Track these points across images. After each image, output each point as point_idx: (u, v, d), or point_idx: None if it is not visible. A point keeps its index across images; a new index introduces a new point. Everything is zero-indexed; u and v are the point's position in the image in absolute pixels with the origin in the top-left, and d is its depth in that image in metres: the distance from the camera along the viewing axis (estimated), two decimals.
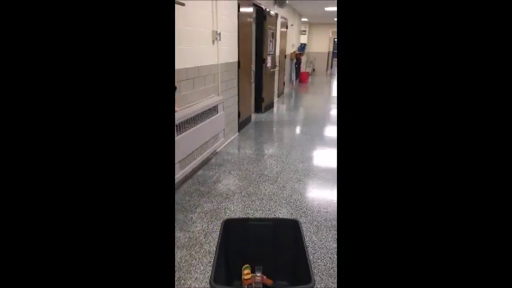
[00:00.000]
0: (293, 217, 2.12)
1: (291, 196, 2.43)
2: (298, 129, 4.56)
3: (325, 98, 7.52)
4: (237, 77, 3.98)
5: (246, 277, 1.38)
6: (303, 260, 1.21)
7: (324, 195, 2.47)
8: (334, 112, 5.79)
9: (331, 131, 4.43)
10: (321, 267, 1.65)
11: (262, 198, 2.39)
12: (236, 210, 2.21)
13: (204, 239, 1.87)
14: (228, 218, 1.40)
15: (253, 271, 1.43)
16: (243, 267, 1.41)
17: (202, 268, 1.63)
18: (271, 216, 2.13)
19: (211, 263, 1.65)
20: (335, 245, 1.82)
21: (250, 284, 1.39)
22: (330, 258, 1.70)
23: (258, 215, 2.15)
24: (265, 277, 1.41)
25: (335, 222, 2.05)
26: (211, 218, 2.12)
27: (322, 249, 1.77)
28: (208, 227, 2.00)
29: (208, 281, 1.51)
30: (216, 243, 1.68)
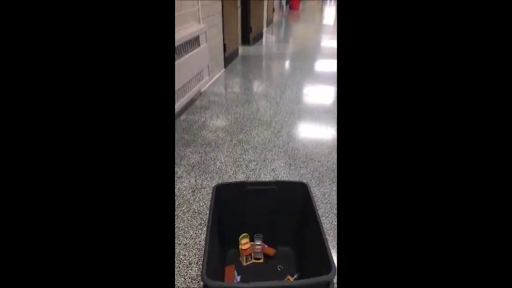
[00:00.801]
0: (291, 168, 1.89)
1: (288, 144, 2.18)
2: (290, 64, 4.11)
3: (318, 28, 6.83)
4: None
5: (243, 247, 1.18)
6: (314, 235, 0.99)
7: (325, 140, 2.23)
8: (326, 43, 5.26)
9: (325, 66, 4.01)
10: (326, 226, 1.48)
11: (256, 147, 2.13)
12: (227, 163, 1.95)
13: (191, 197, 1.64)
14: (220, 183, 1.13)
15: (251, 240, 1.23)
16: (240, 236, 1.20)
17: (192, 232, 1.42)
18: (268, 168, 1.89)
19: (202, 225, 1.44)
20: None
21: (249, 254, 1.19)
22: (335, 214, 1.52)
23: (252, 166, 1.90)
24: (266, 246, 1.22)
25: None
26: (199, 172, 1.86)
27: (326, 205, 1.59)
28: (196, 183, 1.76)
29: (199, 247, 1.32)
30: (207, 207, 1.46)
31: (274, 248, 1.24)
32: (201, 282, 1.03)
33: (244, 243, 1.19)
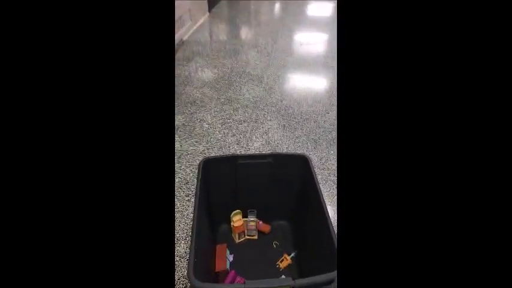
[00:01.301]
0: (285, 130, 1.73)
1: (281, 101, 1.99)
2: (282, 8, 3.69)
3: None
4: None
5: (236, 224, 1.07)
6: (316, 212, 0.87)
7: (320, 97, 2.04)
8: None
9: (320, 9, 3.63)
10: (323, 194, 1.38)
11: (247, 106, 1.93)
12: (215, 124, 1.77)
13: (176, 164, 1.49)
14: (207, 157, 0.97)
15: (245, 216, 1.11)
16: (232, 213, 1.09)
17: (179, 205, 1.30)
18: (260, 130, 1.73)
19: (190, 196, 1.32)
20: None
21: (242, 231, 1.09)
22: (333, 182, 1.42)
23: (242, 128, 1.73)
24: (260, 222, 1.11)
25: (336, 135, 1.71)
26: (184, 135, 1.69)
27: (323, 171, 1.48)
28: (182, 148, 1.59)
29: (187, 222, 1.21)
30: (194, 175, 1.31)
31: (270, 225, 1.14)
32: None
33: (237, 220, 1.08)
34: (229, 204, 1.10)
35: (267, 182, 1.05)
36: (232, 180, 1.03)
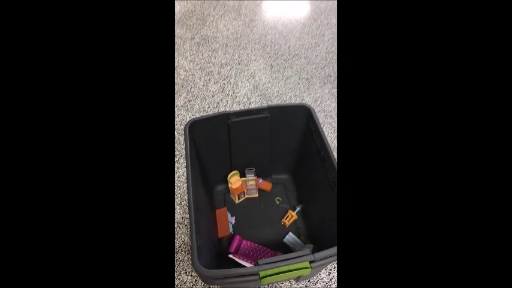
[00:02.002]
0: (273, 70, 1.55)
1: (265, 36, 1.75)
2: None
3: None
4: None
5: (234, 186, 0.98)
6: (323, 165, 0.78)
7: (309, 28, 1.81)
8: None
9: None
10: None
11: (226, 45, 1.69)
12: (193, 71, 1.55)
13: None
14: (193, 118, 0.82)
15: (242, 176, 1.02)
16: (229, 175, 0.99)
17: None
18: (246, 73, 1.53)
19: (177, 157, 1.20)
20: (334, 105, 1.40)
21: (242, 192, 1.01)
22: (331, 125, 1.32)
23: (225, 73, 1.53)
24: (260, 181, 1.03)
25: (330, 71, 1.55)
26: None
27: (320, 113, 1.36)
28: None
29: (179, 185, 1.11)
30: (180, 133, 1.17)
31: (270, 182, 1.05)
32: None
33: (235, 181, 0.98)
34: (224, 166, 0.99)
35: (264, 138, 0.93)
36: (225, 140, 0.90)
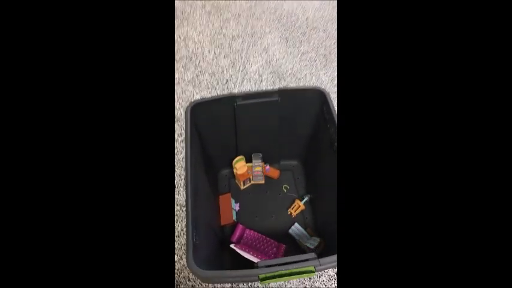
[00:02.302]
0: (288, 45, 1.43)
1: (282, 7, 1.60)
2: None
3: None
4: None
5: (239, 172, 0.93)
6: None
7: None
8: None
9: None
10: None
11: (239, 15, 1.57)
12: (203, 42, 1.45)
13: None
14: (196, 100, 0.75)
15: (248, 161, 0.96)
16: (234, 160, 0.93)
17: None
18: (259, 46, 1.42)
19: (182, 139, 1.14)
20: None
21: (248, 178, 0.96)
22: None
23: (236, 46, 1.43)
24: (267, 167, 0.97)
25: None
26: None
27: (335, 95, 1.26)
28: None
29: (180, 168, 1.06)
30: (184, 109, 1.10)
31: (278, 169, 0.99)
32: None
33: (240, 167, 0.92)
34: (229, 150, 0.93)
35: (273, 123, 0.85)
36: (230, 124, 0.83)
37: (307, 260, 0.55)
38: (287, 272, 0.55)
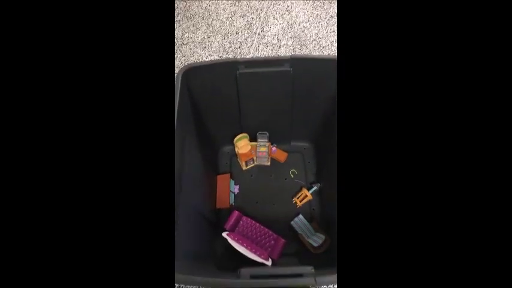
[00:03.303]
0: (315, 7, 1.23)
1: None
2: None
3: None
4: None
5: (241, 151, 0.82)
6: None
7: None
8: None
9: None
10: None
11: None
12: (212, 13, 1.28)
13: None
14: (190, 64, 0.62)
15: (253, 140, 0.84)
16: (236, 138, 0.81)
17: None
18: (281, 7, 1.23)
19: None
20: None
21: (251, 159, 0.84)
22: None
23: (255, 5, 1.25)
24: (274, 148, 0.84)
25: None
26: (177, 17, 1.25)
27: None
28: (174, 35, 1.20)
29: None
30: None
31: (286, 151, 0.87)
32: None
33: (242, 146, 0.81)
34: (231, 126, 0.81)
35: (283, 97, 0.71)
36: (232, 95, 0.70)
37: (301, 275, 0.44)
38: (275, 286, 0.45)
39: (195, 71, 0.63)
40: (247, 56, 1.12)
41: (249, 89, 0.68)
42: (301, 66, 0.63)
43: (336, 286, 0.71)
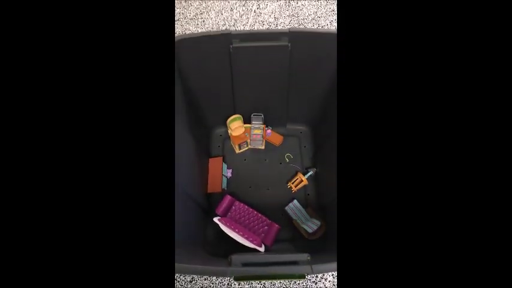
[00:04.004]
0: None
1: None
2: None
3: None
4: None
5: (235, 133, 0.78)
6: None
7: None
8: None
9: None
10: None
11: None
12: None
13: None
14: (180, 36, 0.57)
15: (247, 122, 0.80)
16: (229, 119, 0.77)
17: None
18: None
19: None
20: None
21: (244, 141, 0.80)
22: None
23: None
24: (269, 131, 0.80)
25: None
26: None
27: None
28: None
29: None
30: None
31: (282, 134, 0.83)
32: None
33: (236, 127, 0.77)
34: (224, 106, 0.76)
35: (281, 76, 0.67)
36: (225, 71, 0.66)
37: (296, 262, 0.41)
38: (269, 274, 0.42)
39: (185, 44, 0.57)
40: None
41: (244, 65, 0.63)
42: (300, 41, 0.58)
43: (333, 274, 0.69)
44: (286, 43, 0.58)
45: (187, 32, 1.08)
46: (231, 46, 0.59)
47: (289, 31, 0.57)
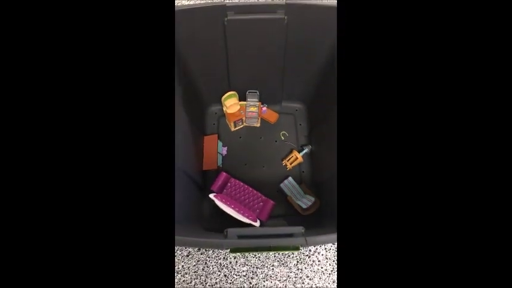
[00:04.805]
0: None
1: None
2: None
3: None
4: None
5: (230, 110, 0.77)
6: None
7: None
8: None
9: None
10: None
11: None
12: None
13: None
14: (178, 6, 0.55)
15: (242, 99, 0.79)
16: (224, 96, 0.76)
17: None
18: None
19: None
20: None
21: (240, 119, 0.80)
22: None
23: None
24: (264, 108, 0.80)
25: None
26: None
27: None
28: None
29: None
30: None
31: (277, 112, 0.82)
32: None
33: (231, 105, 0.76)
34: (219, 82, 0.75)
35: (276, 50, 0.65)
36: (219, 47, 0.64)
37: (291, 235, 0.42)
38: (264, 246, 0.43)
39: (178, 16, 0.55)
40: None
41: (239, 39, 0.62)
42: (297, 14, 0.56)
43: (325, 247, 0.71)
44: (282, 16, 0.56)
45: (180, 4, 1.04)
46: (226, 19, 0.57)
47: (285, 3, 0.55)
